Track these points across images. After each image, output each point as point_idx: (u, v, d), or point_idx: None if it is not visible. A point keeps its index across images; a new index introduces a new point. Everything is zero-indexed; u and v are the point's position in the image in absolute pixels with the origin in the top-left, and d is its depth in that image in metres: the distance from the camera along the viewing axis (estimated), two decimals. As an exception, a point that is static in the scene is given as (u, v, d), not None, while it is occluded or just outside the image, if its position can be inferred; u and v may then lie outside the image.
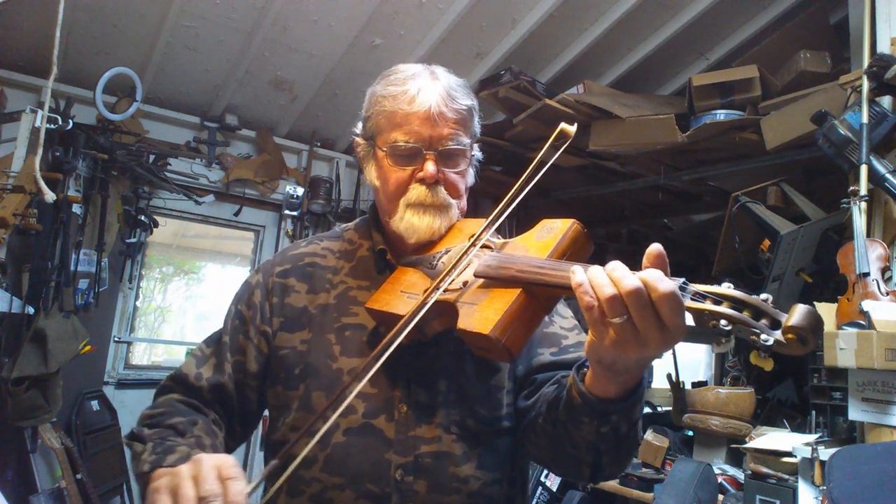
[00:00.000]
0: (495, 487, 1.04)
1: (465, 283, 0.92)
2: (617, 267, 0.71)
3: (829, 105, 2.53)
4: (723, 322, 0.65)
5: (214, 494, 0.75)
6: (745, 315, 0.65)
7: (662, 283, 0.68)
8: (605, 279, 0.71)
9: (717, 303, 0.67)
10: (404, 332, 0.88)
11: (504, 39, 3.55)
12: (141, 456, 0.93)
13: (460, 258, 0.94)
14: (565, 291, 0.78)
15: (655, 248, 0.72)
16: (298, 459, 0.82)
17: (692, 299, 0.68)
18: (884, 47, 2.36)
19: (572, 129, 0.98)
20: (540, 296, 0.84)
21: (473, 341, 0.86)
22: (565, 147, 0.99)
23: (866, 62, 2.34)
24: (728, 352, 3.95)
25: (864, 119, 2.26)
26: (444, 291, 0.92)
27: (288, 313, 1.10)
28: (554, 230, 0.91)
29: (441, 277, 0.93)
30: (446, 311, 0.92)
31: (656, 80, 4.05)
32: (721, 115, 3.10)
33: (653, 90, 4.06)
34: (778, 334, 0.63)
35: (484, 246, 0.97)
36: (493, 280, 0.88)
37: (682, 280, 0.69)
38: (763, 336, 0.63)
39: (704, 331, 0.68)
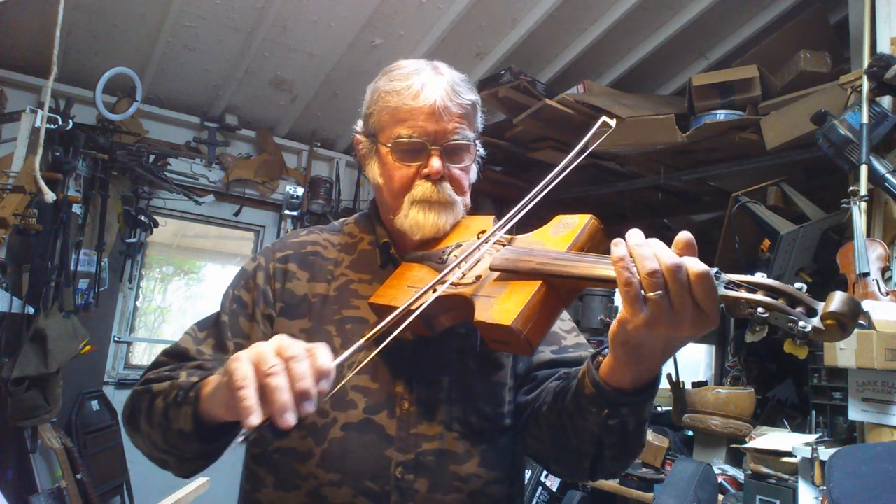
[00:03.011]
0: (497, 487, 1.02)
1: (478, 278, 0.90)
2: (654, 242, 0.71)
3: (829, 105, 2.53)
4: (759, 310, 0.65)
5: (301, 356, 0.70)
6: (781, 303, 0.65)
7: (697, 264, 0.68)
8: (647, 251, 0.70)
9: (752, 291, 0.67)
10: (405, 322, 0.84)
11: (504, 39, 3.55)
12: (178, 381, 0.90)
13: (474, 250, 0.91)
14: (589, 283, 0.78)
15: (685, 235, 0.71)
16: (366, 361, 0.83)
17: (726, 288, 0.68)
18: (884, 47, 2.36)
19: (613, 122, 0.98)
20: (561, 288, 0.83)
21: (492, 334, 0.84)
22: (605, 136, 0.98)
23: (866, 62, 2.34)
24: (728, 352, 3.95)
25: (864, 119, 2.26)
26: (458, 286, 0.90)
27: (288, 299, 1.07)
28: (571, 225, 0.90)
29: (451, 269, 0.91)
30: (459, 305, 0.90)
31: (656, 80, 4.05)
32: (721, 115, 3.10)
33: (653, 90, 4.06)
34: (816, 321, 0.63)
35: (496, 243, 0.95)
36: (512, 273, 0.86)
37: (716, 269, 0.69)
38: (801, 323, 0.63)
39: (740, 319, 0.68)
